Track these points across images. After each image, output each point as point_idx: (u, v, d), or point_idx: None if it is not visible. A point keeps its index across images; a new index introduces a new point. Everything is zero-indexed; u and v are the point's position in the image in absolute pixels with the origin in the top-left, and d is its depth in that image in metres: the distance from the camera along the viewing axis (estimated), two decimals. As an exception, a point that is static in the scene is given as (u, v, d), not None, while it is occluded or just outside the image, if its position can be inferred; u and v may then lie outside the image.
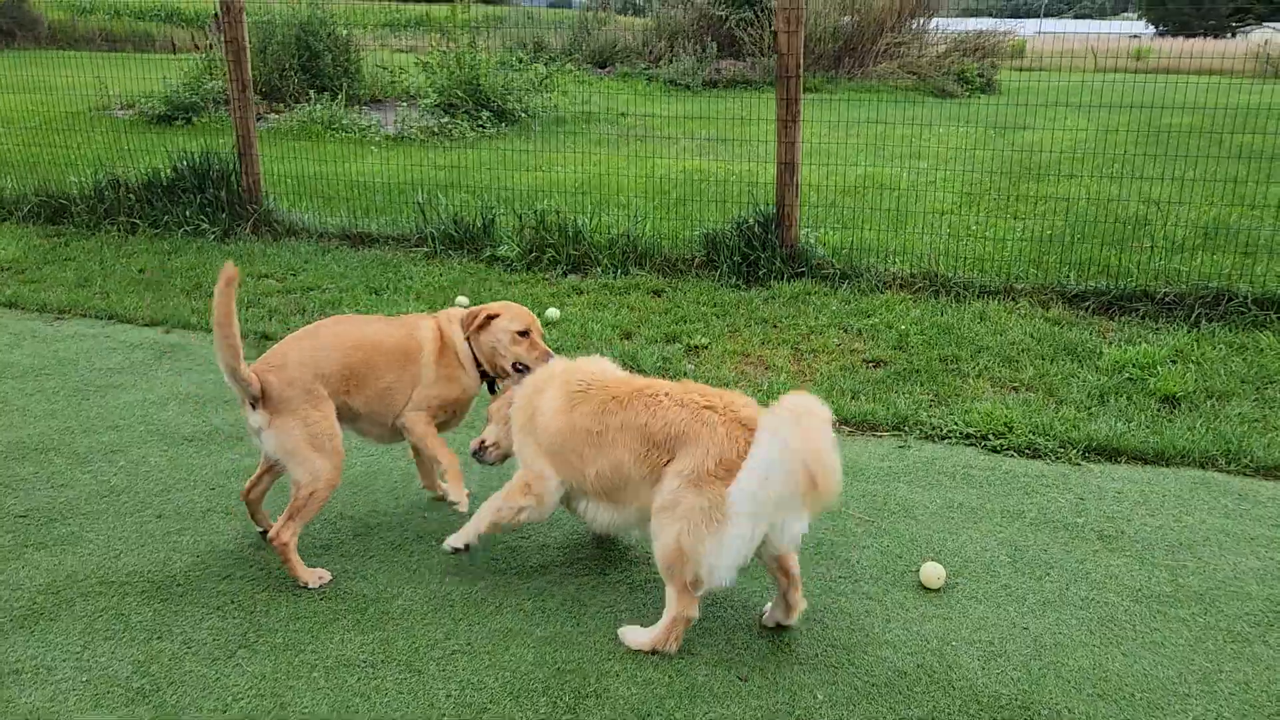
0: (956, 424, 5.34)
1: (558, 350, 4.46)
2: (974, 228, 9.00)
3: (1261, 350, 6.21)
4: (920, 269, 7.72)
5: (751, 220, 7.92)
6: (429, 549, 4.17)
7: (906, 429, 5.37)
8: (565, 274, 8.22)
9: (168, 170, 9.56)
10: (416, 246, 8.79)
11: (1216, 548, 4.17)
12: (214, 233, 9.18)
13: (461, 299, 7.40)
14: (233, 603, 3.79)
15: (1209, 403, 5.55)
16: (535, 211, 8.55)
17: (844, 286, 7.58)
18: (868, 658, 3.48)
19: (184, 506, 4.52)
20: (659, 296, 7.66)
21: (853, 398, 5.75)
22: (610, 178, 10.19)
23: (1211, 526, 4.33)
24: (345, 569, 4.02)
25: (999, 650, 3.53)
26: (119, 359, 6.36)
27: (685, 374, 6.10)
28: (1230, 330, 6.57)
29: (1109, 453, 5.03)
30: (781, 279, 7.75)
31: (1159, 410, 5.50)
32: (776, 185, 7.86)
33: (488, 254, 8.49)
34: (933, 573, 3.79)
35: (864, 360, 6.33)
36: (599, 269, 8.17)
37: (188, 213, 9.34)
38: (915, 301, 7.31)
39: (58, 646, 3.51)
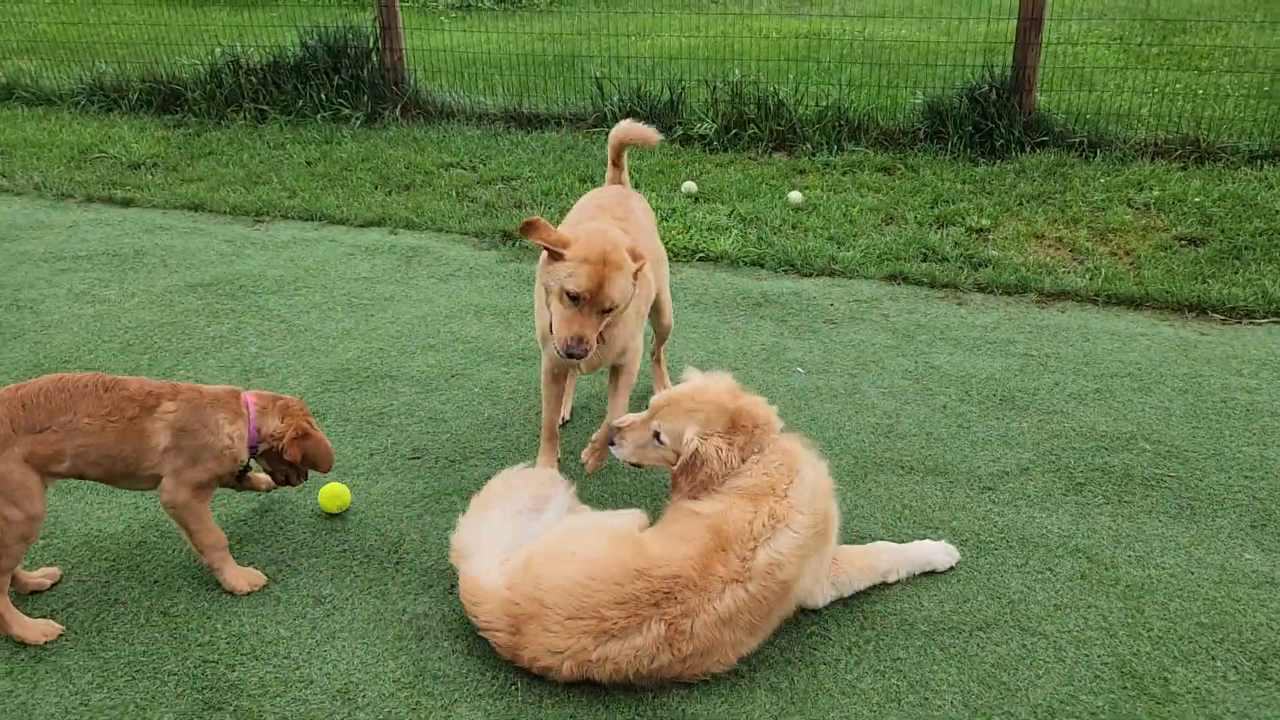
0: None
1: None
2: (1178, 85, 8.39)
3: None
4: (1174, 133, 7.16)
5: (986, 85, 7.27)
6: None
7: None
8: (770, 151, 7.57)
9: (295, 48, 8.62)
10: (595, 126, 8.04)
11: None
12: (357, 117, 8.34)
13: (689, 185, 6.76)
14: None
15: None
16: (729, 83, 7.81)
17: (1096, 156, 7.01)
18: None
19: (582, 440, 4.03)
20: (891, 174, 7.06)
21: (1201, 281, 5.28)
22: (749, 42, 9.36)
23: None
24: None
25: None
26: (365, 266, 5.71)
27: (991, 261, 5.60)
28: None
29: None
30: (1022, 150, 7.16)
31: None
32: (1017, 43, 7.19)
33: (679, 132, 7.78)
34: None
35: (1176, 238, 5.84)
36: (808, 145, 7.52)
37: (323, 95, 8.47)
38: (1185, 170, 6.78)
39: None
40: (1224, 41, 10.09)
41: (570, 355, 3.14)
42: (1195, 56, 9.64)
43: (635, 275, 3.21)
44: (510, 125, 8.25)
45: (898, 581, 3.12)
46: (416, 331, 4.93)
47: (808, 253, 5.74)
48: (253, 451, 3.20)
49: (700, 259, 5.79)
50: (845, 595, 3.03)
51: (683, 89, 7.96)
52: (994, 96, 7.23)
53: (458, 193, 6.83)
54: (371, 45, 8.45)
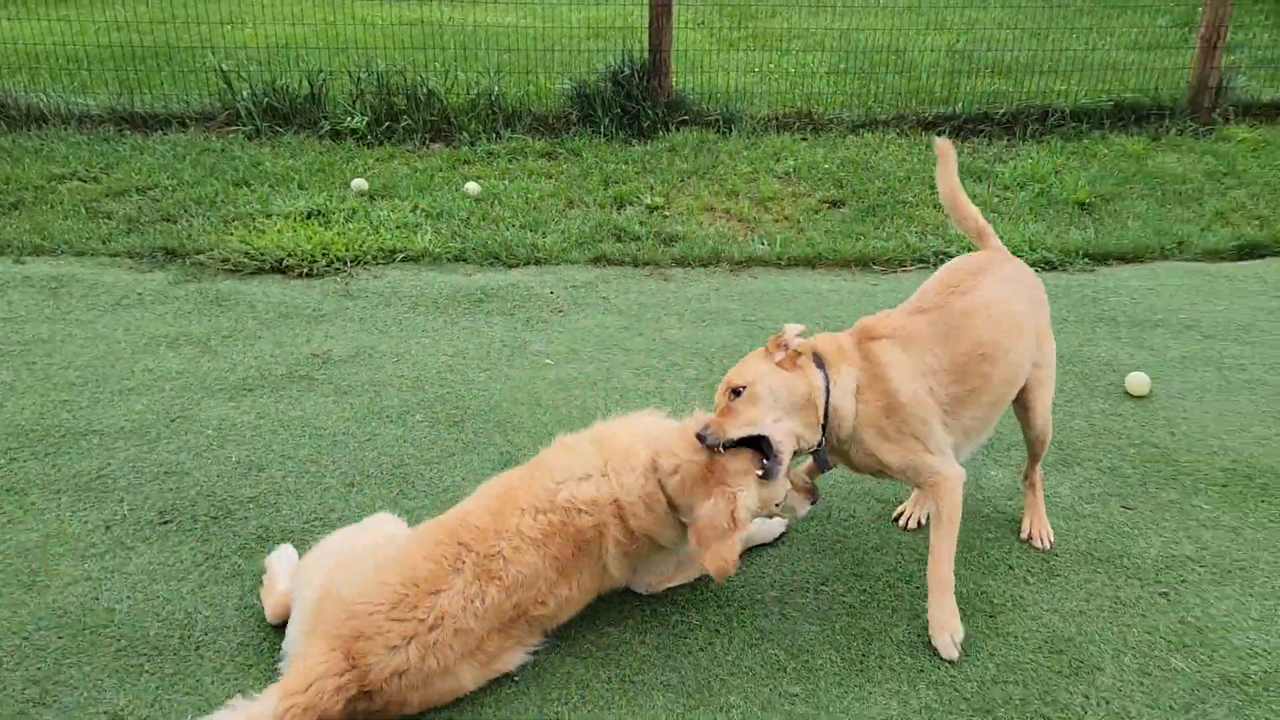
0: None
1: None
2: (770, 65, 9.36)
3: (1098, 155, 7.38)
4: (790, 109, 7.99)
5: (627, 69, 7.60)
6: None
7: (941, 259, 5.74)
8: (427, 143, 7.36)
9: None
10: (229, 125, 7.29)
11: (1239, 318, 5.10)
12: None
13: (359, 182, 6.39)
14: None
15: (1110, 205, 6.56)
16: (374, 73, 7.45)
17: (732, 132, 7.64)
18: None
19: None
20: (555, 159, 7.18)
21: (855, 239, 5.98)
22: (359, 30, 9.04)
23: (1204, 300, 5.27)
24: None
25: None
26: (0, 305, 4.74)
27: (679, 236, 5.93)
28: (1064, 140, 7.70)
29: (1098, 257, 5.81)
30: (668, 129, 7.61)
31: (1078, 215, 6.41)
32: (651, 29, 7.59)
33: (327, 128, 7.30)
34: (1140, 381, 4.24)
35: (821, 202, 6.55)
36: (465, 135, 7.41)
37: None
38: (806, 141, 7.60)
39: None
40: (788, 25, 11.39)
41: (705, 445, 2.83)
42: (772, 39, 10.80)
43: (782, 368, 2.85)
44: (123, 127, 7.23)
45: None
46: (102, 374, 4.21)
47: (508, 243, 5.69)
48: None
49: (403, 259, 5.50)
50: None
51: (324, 81, 7.46)
52: (636, 80, 7.59)
53: (85, 208, 5.89)
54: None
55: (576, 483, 2.80)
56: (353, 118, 7.27)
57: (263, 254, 5.35)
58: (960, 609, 2.87)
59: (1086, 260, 5.74)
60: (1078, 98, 8.13)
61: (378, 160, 6.94)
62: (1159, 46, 10.57)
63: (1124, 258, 5.82)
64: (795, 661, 2.78)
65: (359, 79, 7.40)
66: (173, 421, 3.90)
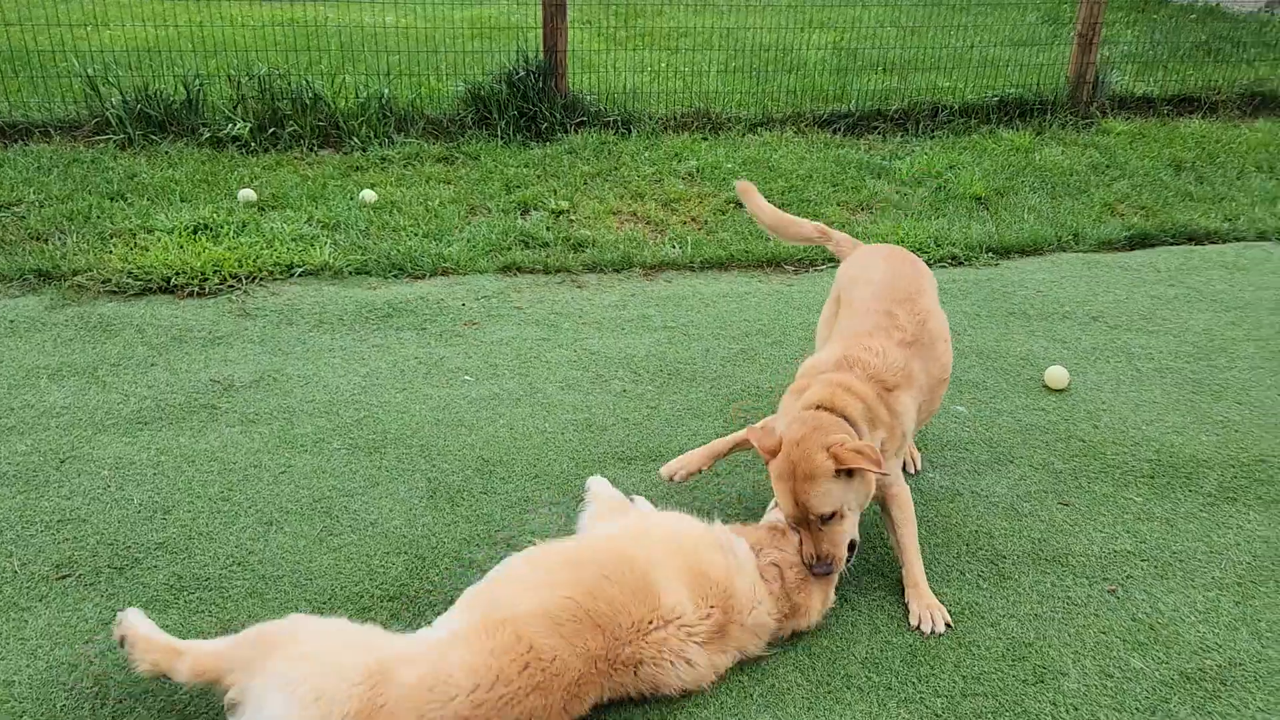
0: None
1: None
2: (662, 64, 9.32)
3: (988, 150, 7.57)
4: (688, 108, 7.94)
5: (523, 70, 7.42)
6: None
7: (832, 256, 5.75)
8: (315, 149, 7.04)
9: None
10: (98, 134, 6.80)
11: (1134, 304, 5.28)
12: None
13: (246, 192, 6.05)
14: None
15: (1005, 199, 6.73)
16: (256, 77, 7.07)
17: (632, 133, 7.54)
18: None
19: None
20: (452, 164, 6.96)
21: (763, 239, 5.95)
22: (230, 31, 8.63)
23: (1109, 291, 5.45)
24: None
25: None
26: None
27: (587, 241, 5.80)
28: (956, 135, 7.88)
29: (1000, 251, 5.94)
30: (566, 131, 7.47)
31: (976, 209, 6.56)
32: (545, 29, 7.43)
33: (207, 135, 6.89)
34: (1058, 375, 4.33)
35: (726, 202, 6.51)
36: (356, 140, 7.11)
37: None
38: (706, 141, 7.57)
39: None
40: (674, 24, 11.37)
41: (824, 573, 2.81)
42: (660, 38, 10.77)
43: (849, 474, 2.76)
44: (-26, 139, 6.68)
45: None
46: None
47: (411, 253, 5.46)
48: None
49: (302, 274, 5.22)
50: None
51: (200, 85, 7.04)
52: (532, 81, 7.42)
53: (-60, 231, 5.40)
54: None
55: None
56: (234, 124, 6.89)
57: (148, 273, 5.00)
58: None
59: (990, 255, 5.86)
60: (965, 94, 8.34)
61: (264, 169, 6.59)
62: (1032, 43, 10.97)
63: (1024, 251, 5.97)
64: (761, 687, 2.70)
65: (239, 83, 7.01)
66: (62, 463, 3.57)
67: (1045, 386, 4.33)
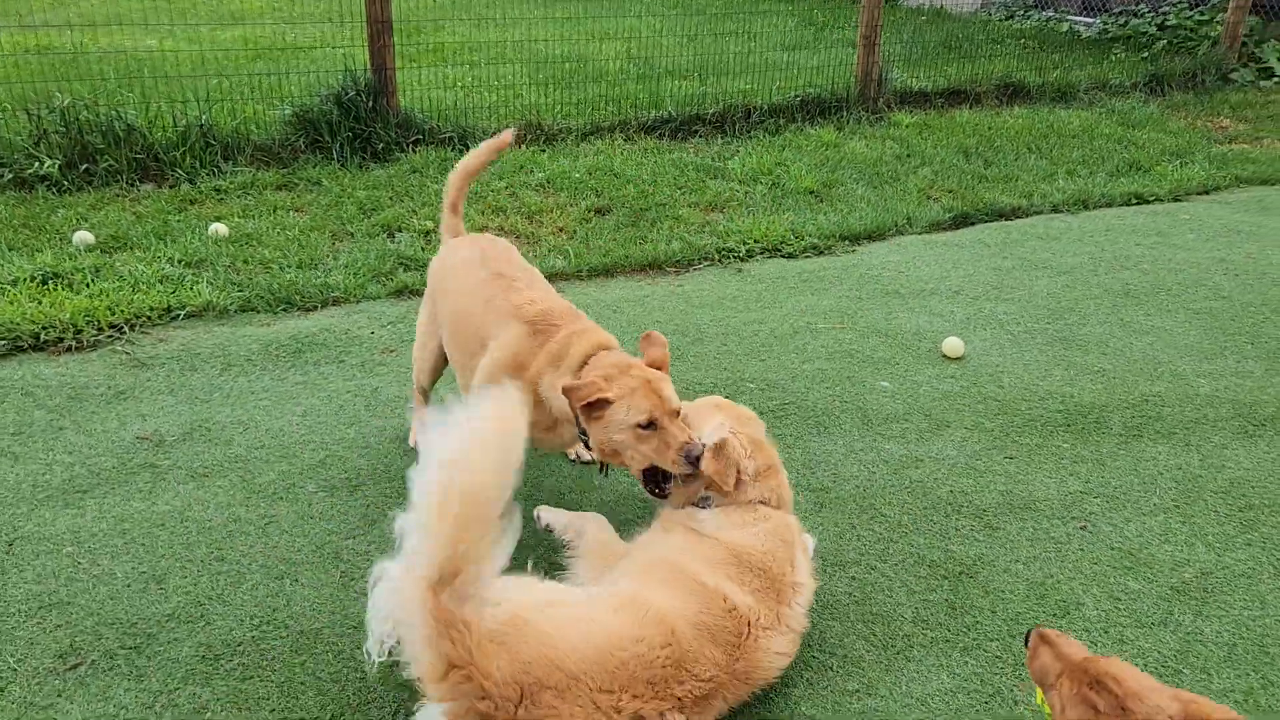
0: (743, 243, 6.18)
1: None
2: (470, 80, 9.30)
3: (803, 147, 8.15)
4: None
5: (352, 91, 7.19)
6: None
7: (725, 256, 6.04)
8: (136, 184, 6.51)
9: None
10: None
11: (982, 274, 5.93)
12: None
13: (83, 235, 5.53)
14: None
15: (833, 190, 7.28)
16: (56, 109, 6.43)
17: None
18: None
19: None
20: (293, 190, 6.66)
21: (639, 244, 6.15)
22: None
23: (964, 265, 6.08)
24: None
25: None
26: None
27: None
28: (770, 134, 8.40)
29: (852, 238, 6.44)
30: (403, 150, 7.32)
31: (814, 202, 7.06)
32: (371, 48, 7.24)
33: (9, 176, 6.20)
34: (954, 344, 4.80)
35: (589, 211, 6.64)
36: (180, 171, 6.63)
37: None
38: (546, 152, 7.65)
39: None
40: (458, 40, 11.33)
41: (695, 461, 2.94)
42: (449, 53, 10.70)
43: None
44: None
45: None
46: None
47: (294, 285, 5.21)
48: None
49: (185, 316, 4.85)
50: None
51: (-9, 121, 6.33)
52: (363, 101, 7.21)
53: None
54: None
55: None
56: (40, 162, 6.23)
57: (10, 330, 4.48)
58: (944, 577, 3.18)
59: (845, 242, 6.34)
60: (770, 95, 8.90)
61: (89, 208, 6.02)
62: (800, 46, 11.84)
63: (870, 237, 6.50)
64: (836, 658, 2.87)
65: (39, 116, 6.35)
66: (11, 545, 3.19)
67: (945, 356, 4.79)
